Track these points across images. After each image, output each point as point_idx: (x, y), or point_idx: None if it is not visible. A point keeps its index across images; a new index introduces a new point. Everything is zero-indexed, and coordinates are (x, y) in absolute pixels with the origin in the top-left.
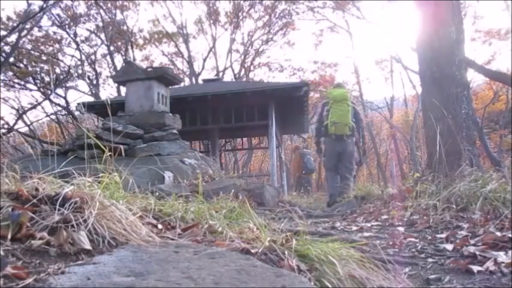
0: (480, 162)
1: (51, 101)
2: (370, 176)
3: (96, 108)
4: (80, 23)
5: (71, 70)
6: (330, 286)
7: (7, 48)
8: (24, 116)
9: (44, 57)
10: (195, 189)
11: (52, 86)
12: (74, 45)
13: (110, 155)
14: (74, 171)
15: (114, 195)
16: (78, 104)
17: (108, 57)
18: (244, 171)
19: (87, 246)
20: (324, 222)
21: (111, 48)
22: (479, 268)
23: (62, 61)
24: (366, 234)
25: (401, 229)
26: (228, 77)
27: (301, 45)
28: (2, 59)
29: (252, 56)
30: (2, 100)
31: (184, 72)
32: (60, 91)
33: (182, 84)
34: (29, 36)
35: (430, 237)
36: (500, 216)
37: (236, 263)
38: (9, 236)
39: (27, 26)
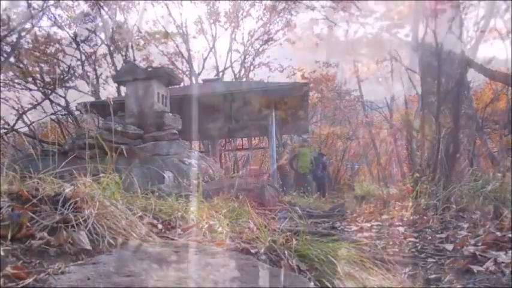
0: (480, 162)
1: (51, 101)
2: (370, 176)
3: (97, 108)
4: (80, 23)
5: (71, 70)
6: (330, 286)
7: (7, 48)
8: (24, 116)
9: (44, 57)
10: (195, 189)
11: (53, 86)
12: (74, 45)
13: (110, 154)
14: (74, 171)
15: (114, 195)
16: (78, 103)
17: (108, 57)
18: (244, 171)
19: (87, 246)
20: (324, 222)
21: (111, 48)
22: (479, 268)
23: (62, 61)
24: (366, 234)
25: (401, 229)
26: (228, 76)
27: (302, 45)
28: (2, 59)
29: (252, 55)
30: (2, 100)
31: (184, 72)
32: (60, 91)
33: (182, 84)
34: (30, 36)
35: (430, 237)
36: (500, 216)
37: (236, 263)
38: (9, 236)
39: (27, 26)
